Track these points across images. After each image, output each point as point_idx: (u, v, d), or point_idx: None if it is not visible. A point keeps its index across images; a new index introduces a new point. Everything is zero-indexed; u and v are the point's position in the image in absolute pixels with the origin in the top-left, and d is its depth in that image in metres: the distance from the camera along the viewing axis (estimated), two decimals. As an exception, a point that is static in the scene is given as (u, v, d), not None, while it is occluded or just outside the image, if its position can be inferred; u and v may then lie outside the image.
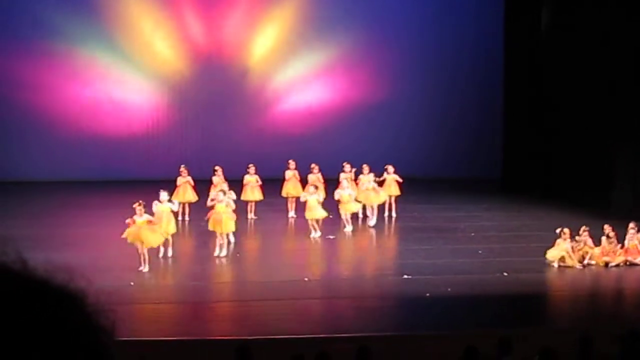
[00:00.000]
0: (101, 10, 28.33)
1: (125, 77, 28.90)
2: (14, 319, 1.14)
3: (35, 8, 27.77)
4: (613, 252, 18.85)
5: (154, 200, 19.13)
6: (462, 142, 29.35)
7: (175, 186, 22.39)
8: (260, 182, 22.83)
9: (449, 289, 16.43)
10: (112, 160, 28.30)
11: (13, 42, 27.82)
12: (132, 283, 16.83)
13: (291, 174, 23.31)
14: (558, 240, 18.75)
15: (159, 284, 17.51)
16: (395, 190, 23.43)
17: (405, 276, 17.46)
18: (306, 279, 17.63)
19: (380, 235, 22.78)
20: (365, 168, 23.09)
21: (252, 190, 22.86)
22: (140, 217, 17.95)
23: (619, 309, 16.89)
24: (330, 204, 21.79)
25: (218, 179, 22.73)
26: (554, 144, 26.01)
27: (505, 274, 17.64)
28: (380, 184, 23.19)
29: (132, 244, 17.90)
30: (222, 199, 19.27)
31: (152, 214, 18.39)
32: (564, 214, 22.04)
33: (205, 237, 19.95)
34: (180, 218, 21.63)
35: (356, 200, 22.23)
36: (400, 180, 23.32)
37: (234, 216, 19.45)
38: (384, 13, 29.41)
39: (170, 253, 18.93)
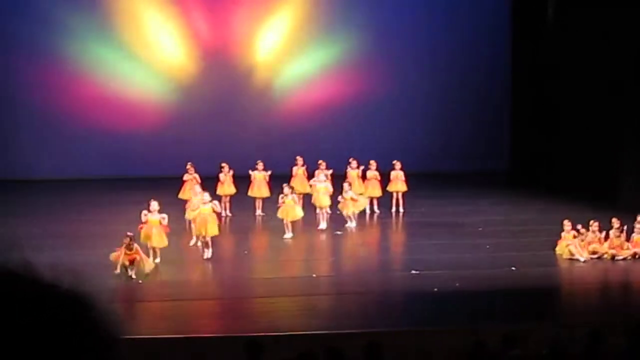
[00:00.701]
0: (108, 8, 28.36)
1: (133, 75, 28.93)
2: (24, 323, 1.15)
3: (43, 7, 27.80)
4: (621, 245, 18.85)
5: (162, 197, 19.17)
6: (469, 137, 29.32)
7: (182, 183, 22.44)
8: (268, 179, 22.85)
9: (457, 284, 16.43)
10: (120, 157, 28.33)
11: (21, 42, 27.86)
12: (140, 281, 16.87)
13: (298, 170, 23.30)
14: (563, 234, 18.83)
15: (165, 281, 17.51)
16: (402, 186, 23.43)
17: (413, 271, 17.47)
18: (314, 275, 17.66)
19: (388, 230, 22.80)
20: (372, 164, 23.11)
21: (260, 186, 22.87)
22: (154, 216, 18.04)
23: (627, 303, 16.88)
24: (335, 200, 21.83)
25: (224, 176, 22.79)
26: (561, 137, 25.98)
27: (514, 268, 17.63)
28: (387, 179, 23.22)
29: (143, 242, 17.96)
30: (207, 199, 18.82)
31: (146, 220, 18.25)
32: (571, 207, 21.99)
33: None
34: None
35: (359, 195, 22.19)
36: (403, 178, 23.33)
37: (216, 220, 19.05)
38: (390, 8, 29.38)
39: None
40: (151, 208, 18.18)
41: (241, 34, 29.27)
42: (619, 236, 18.83)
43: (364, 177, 23.18)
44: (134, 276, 16.90)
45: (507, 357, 10.33)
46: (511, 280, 16.89)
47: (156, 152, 28.38)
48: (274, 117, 29.39)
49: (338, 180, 22.57)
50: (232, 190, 23.00)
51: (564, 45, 25.78)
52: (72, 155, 28.30)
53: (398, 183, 23.40)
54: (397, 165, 23.48)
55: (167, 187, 22.62)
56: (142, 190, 19.66)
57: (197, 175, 22.52)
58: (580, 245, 18.63)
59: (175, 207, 20.40)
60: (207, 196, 18.99)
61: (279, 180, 21.90)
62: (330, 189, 22.02)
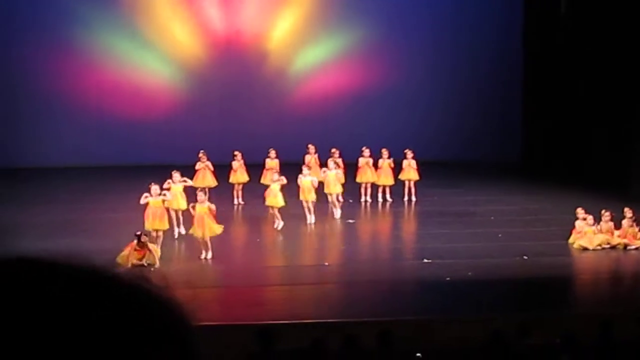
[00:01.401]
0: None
1: (145, 63, 28.98)
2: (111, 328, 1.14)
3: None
4: (633, 235, 18.82)
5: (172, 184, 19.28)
6: (481, 126, 29.26)
7: (195, 171, 22.46)
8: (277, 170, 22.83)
9: (469, 273, 16.44)
10: (131, 145, 28.38)
11: (34, 31, 27.92)
12: (152, 268, 16.91)
13: (310, 158, 23.29)
14: (577, 222, 18.81)
15: (179, 269, 17.56)
16: (414, 175, 23.40)
17: (425, 260, 17.48)
18: (326, 264, 17.68)
19: (400, 219, 22.80)
20: (385, 152, 23.11)
21: (272, 175, 22.82)
22: (155, 198, 18.18)
23: (639, 292, 16.85)
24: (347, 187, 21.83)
25: (237, 164, 22.82)
26: (574, 126, 25.93)
27: (526, 257, 17.62)
28: (399, 169, 23.23)
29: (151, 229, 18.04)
30: (203, 198, 18.27)
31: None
32: (583, 197, 21.94)
33: (220, 222, 19.54)
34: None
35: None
36: (415, 166, 23.29)
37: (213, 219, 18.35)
38: (402, -3, 29.35)
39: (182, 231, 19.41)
40: (174, 179, 19.39)
41: (253, 22, 29.26)
42: (631, 225, 18.80)
43: (375, 165, 23.16)
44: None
45: (521, 347, 10.35)
46: (523, 269, 16.88)
47: (169, 140, 28.40)
48: (286, 105, 29.39)
49: (351, 169, 22.58)
50: (244, 178, 23.02)
51: (577, 34, 25.70)
52: (85, 143, 28.37)
53: (410, 172, 23.38)
54: (409, 154, 23.45)
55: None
56: (154, 178, 19.63)
57: (209, 163, 22.54)
58: (593, 233, 18.57)
59: (189, 195, 20.41)
60: (177, 176, 19.63)
61: (290, 167, 21.87)
62: (342, 177, 22.01)
